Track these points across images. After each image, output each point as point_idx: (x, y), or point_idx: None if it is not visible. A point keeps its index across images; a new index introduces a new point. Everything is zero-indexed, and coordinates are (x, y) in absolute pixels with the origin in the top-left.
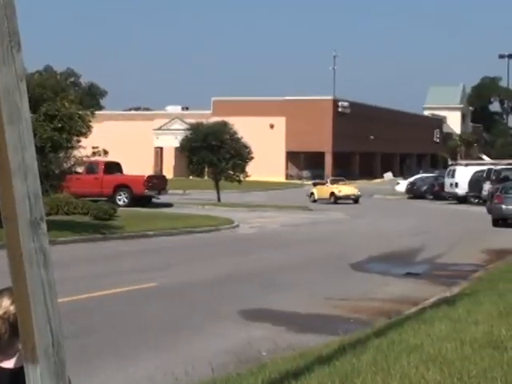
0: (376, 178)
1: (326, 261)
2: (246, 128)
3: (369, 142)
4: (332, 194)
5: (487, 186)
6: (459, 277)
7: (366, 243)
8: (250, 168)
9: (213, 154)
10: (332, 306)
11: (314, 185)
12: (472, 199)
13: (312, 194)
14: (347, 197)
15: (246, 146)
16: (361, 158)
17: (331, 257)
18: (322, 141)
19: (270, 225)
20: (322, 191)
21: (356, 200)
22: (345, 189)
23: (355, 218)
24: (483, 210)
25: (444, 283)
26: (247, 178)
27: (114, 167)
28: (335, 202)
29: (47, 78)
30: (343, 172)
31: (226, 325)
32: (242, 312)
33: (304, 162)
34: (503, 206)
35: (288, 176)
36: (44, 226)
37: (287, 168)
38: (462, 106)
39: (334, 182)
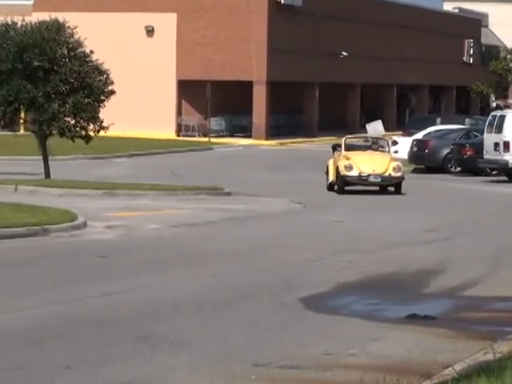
0: (353, 131)
1: (255, 293)
2: (101, 35)
3: (338, 64)
4: (337, 171)
5: None
6: (510, 323)
7: (331, 259)
8: (109, 113)
9: (35, 84)
10: (268, 379)
11: (334, 149)
12: None
13: (327, 170)
14: (363, 179)
15: (100, 71)
16: (323, 94)
17: (265, 285)
18: (248, 61)
19: (147, 224)
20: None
21: (396, 187)
22: (363, 161)
23: (312, 210)
24: None
25: (481, 335)
26: (104, 133)
27: None
28: (341, 191)
29: None
30: (288, 121)
31: None
32: None
33: (213, 101)
34: None
35: (182, 128)
36: None
37: (180, 113)
38: None
39: (355, 143)
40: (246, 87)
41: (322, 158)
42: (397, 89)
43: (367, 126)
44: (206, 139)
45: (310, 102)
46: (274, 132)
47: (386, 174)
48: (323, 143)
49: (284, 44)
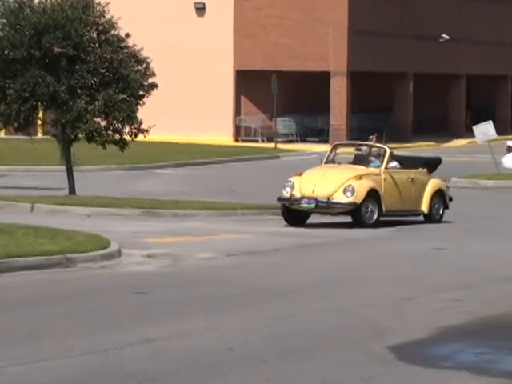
0: (457, 136)
1: (334, 339)
2: (139, 14)
3: (438, 50)
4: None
5: None
6: None
7: (430, 296)
8: (149, 113)
9: (56, 76)
10: None
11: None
12: None
13: None
14: (293, 203)
15: (137, 59)
16: (418, 88)
17: (346, 329)
18: (323, 47)
19: (197, 252)
20: None
21: (352, 215)
22: (310, 178)
23: (407, 234)
24: None
25: None
26: (143, 138)
27: None
28: (284, 218)
29: None
30: (374, 122)
31: None
32: None
33: (280, 97)
34: None
35: (241, 131)
36: None
37: (238, 112)
38: None
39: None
40: (321, 80)
41: None
42: None
43: (474, 128)
44: (272, 145)
45: (401, 97)
46: (356, 136)
47: (324, 199)
48: (419, 149)
49: (369, 25)
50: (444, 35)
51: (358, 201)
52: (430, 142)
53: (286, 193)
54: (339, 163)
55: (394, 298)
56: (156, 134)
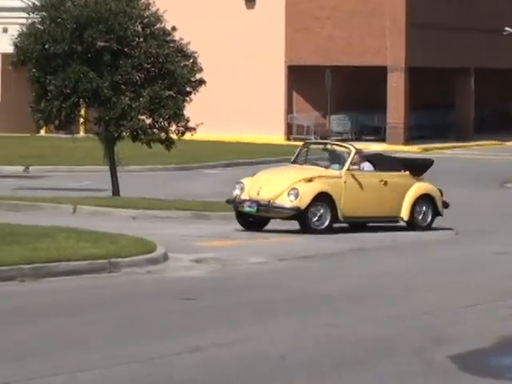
0: None
1: (391, 348)
2: (186, 7)
3: (501, 44)
4: None
5: None
6: None
7: (492, 303)
8: (196, 110)
9: (99, 71)
10: None
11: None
12: None
13: None
14: (238, 205)
15: (184, 54)
16: (480, 84)
17: (404, 338)
18: (380, 41)
19: (248, 256)
20: None
21: (299, 221)
22: (260, 179)
23: (468, 238)
24: None
25: None
26: (191, 136)
27: None
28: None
29: None
30: (434, 120)
31: None
32: None
33: (335, 93)
34: None
35: (293, 129)
36: None
37: (290, 109)
38: None
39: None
40: (377, 75)
41: (483, 169)
42: None
43: None
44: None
45: (462, 94)
46: (415, 134)
47: (264, 202)
48: (481, 149)
49: (428, 18)
50: (507, 28)
51: (302, 205)
52: (493, 141)
53: (235, 193)
54: (302, 164)
55: (453, 306)
56: (204, 133)
